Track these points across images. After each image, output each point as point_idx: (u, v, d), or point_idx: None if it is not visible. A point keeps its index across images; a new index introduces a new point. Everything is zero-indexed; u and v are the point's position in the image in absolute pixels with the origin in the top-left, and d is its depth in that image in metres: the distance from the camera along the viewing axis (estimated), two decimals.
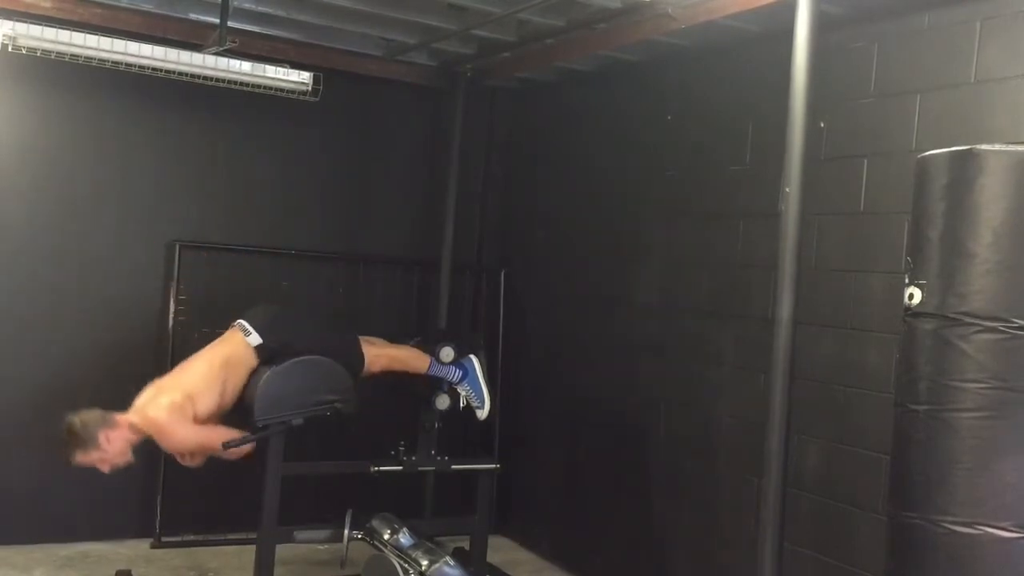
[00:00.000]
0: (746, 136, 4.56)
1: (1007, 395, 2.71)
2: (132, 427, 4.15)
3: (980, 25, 3.60)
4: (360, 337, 4.61)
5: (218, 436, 4.20)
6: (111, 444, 4.10)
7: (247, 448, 4.27)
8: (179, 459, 4.40)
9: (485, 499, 4.83)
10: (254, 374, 4.34)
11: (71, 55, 4.67)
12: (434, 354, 4.75)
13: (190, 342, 5.50)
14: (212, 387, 4.23)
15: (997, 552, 2.72)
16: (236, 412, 4.45)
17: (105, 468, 4.14)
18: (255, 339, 4.33)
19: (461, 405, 4.83)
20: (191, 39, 4.97)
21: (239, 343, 4.34)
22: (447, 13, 4.88)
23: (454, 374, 4.77)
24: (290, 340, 4.40)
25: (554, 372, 5.84)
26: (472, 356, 4.80)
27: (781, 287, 3.51)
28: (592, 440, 5.51)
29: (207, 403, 4.20)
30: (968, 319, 2.74)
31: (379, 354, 4.59)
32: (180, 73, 4.86)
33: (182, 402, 4.15)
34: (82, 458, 4.10)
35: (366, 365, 4.49)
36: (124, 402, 5.43)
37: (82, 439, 4.07)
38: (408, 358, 4.70)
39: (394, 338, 5.04)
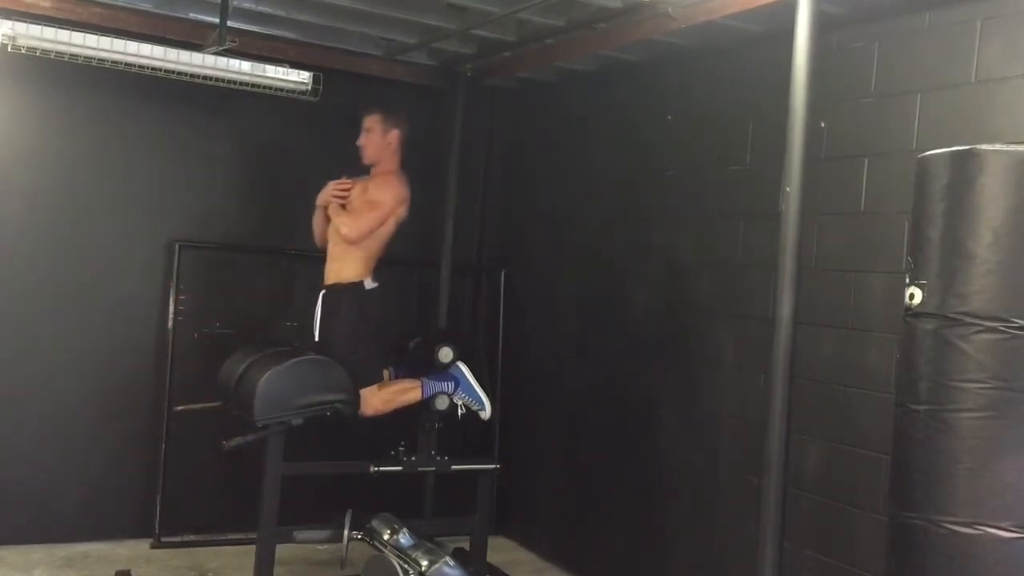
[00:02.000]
0: (746, 136, 4.56)
1: (1007, 395, 2.71)
2: (397, 160, 4.84)
3: (980, 25, 3.60)
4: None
5: (374, 224, 4.65)
6: (386, 143, 4.80)
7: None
8: (338, 190, 4.77)
9: (485, 499, 4.83)
10: (255, 371, 4.34)
11: (71, 55, 4.67)
12: (434, 355, 4.74)
13: (190, 342, 5.52)
14: (379, 246, 4.77)
15: (997, 552, 2.72)
16: (235, 411, 4.46)
17: (366, 153, 4.80)
18: (369, 284, 4.65)
19: (460, 413, 4.81)
20: (191, 39, 4.97)
21: (369, 270, 4.69)
22: (447, 13, 4.88)
23: (447, 387, 4.76)
24: (354, 315, 4.59)
25: (554, 372, 5.84)
26: (458, 364, 4.78)
27: (781, 287, 3.51)
28: (592, 440, 5.51)
29: (383, 231, 4.74)
30: (968, 319, 2.74)
31: (372, 402, 4.56)
32: (180, 73, 4.86)
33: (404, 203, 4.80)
34: (371, 121, 4.78)
35: (361, 404, 4.50)
36: (124, 402, 5.47)
37: (391, 117, 4.80)
38: (399, 393, 4.67)
39: (395, 338, 5.04)
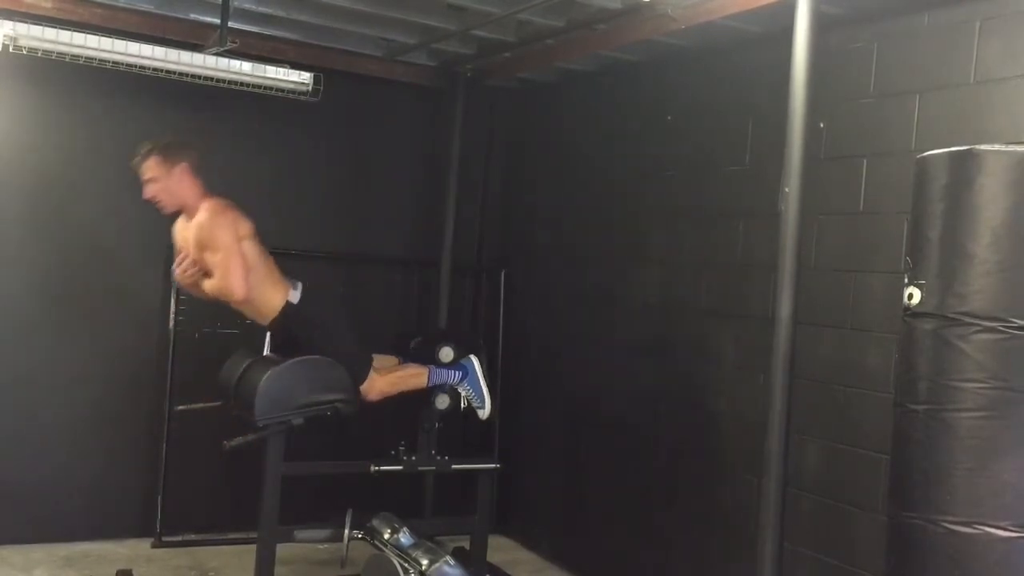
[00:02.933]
0: (746, 136, 4.56)
1: (1007, 395, 2.71)
2: (202, 193, 4.27)
3: (980, 25, 3.60)
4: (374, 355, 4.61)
5: (237, 262, 4.17)
6: (180, 181, 4.25)
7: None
8: (183, 264, 4.34)
9: (485, 499, 4.83)
10: (255, 371, 4.34)
11: (71, 55, 4.68)
12: (434, 355, 4.75)
13: (190, 342, 5.52)
14: (264, 261, 4.33)
15: (997, 552, 2.72)
16: (235, 412, 4.46)
17: (148, 192, 4.27)
18: (295, 296, 4.35)
19: (463, 406, 4.82)
20: (191, 39, 4.98)
21: (283, 286, 4.35)
22: (447, 13, 4.88)
23: (454, 376, 4.76)
24: (311, 322, 4.39)
25: (554, 372, 5.84)
26: (471, 356, 4.80)
27: (781, 287, 3.51)
28: (592, 440, 5.51)
29: (250, 253, 4.25)
30: (968, 319, 2.74)
31: (377, 385, 4.54)
32: (180, 73, 4.87)
33: (239, 216, 4.25)
34: (149, 170, 4.25)
35: (364, 388, 4.48)
36: (125, 402, 5.48)
37: (171, 151, 4.24)
38: (407, 379, 4.65)
39: (395, 337, 5.05)
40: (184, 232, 4.38)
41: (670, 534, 4.89)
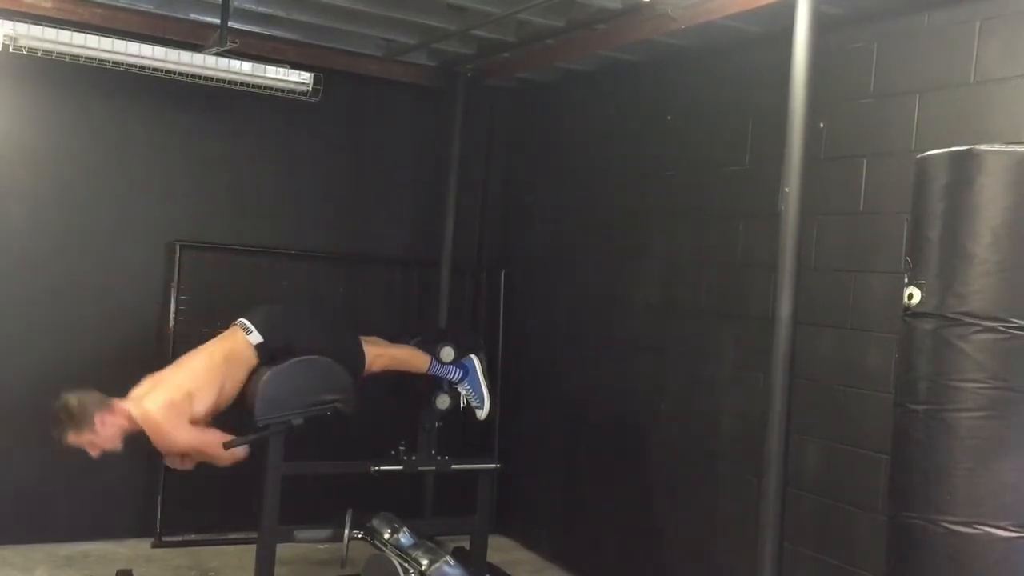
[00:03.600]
0: (746, 136, 4.56)
1: (1007, 395, 2.71)
2: (128, 417, 4.09)
3: (980, 25, 3.60)
4: (361, 337, 4.61)
5: (213, 439, 4.17)
6: (104, 428, 4.05)
7: (241, 453, 4.22)
8: (168, 461, 4.33)
9: (485, 499, 4.83)
10: (254, 373, 4.34)
11: (71, 55, 4.67)
12: (434, 354, 4.75)
13: (190, 342, 5.49)
14: (212, 384, 4.20)
15: (997, 552, 2.72)
16: (235, 412, 4.45)
17: (95, 452, 4.10)
18: (256, 338, 4.32)
19: (462, 405, 4.83)
20: (191, 39, 4.98)
21: (240, 341, 4.33)
22: (447, 13, 4.88)
23: (454, 373, 4.77)
24: (291, 339, 4.39)
25: (554, 372, 5.84)
26: (472, 356, 4.81)
27: (781, 287, 3.51)
28: (592, 440, 5.51)
29: (205, 401, 4.17)
30: (968, 319, 2.74)
31: (380, 354, 4.59)
32: (180, 73, 4.87)
33: (180, 401, 4.10)
34: (73, 438, 4.06)
35: (367, 365, 4.49)
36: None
37: (77, 419, 4.02)
38: (408, 358, 4.71)
39: (394, 338, 5.05)
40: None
41: (670, 534, 4.89)
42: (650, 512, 5.02)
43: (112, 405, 4.09)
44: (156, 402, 4.10)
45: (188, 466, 4.34)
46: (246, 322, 4.37)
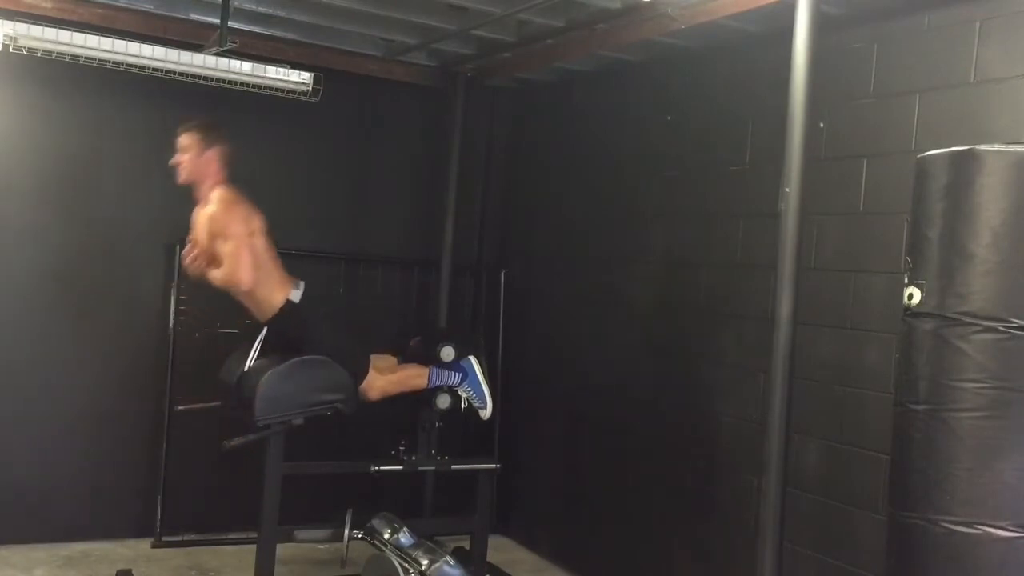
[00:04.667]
0: (746, 136, 4.56)
1: (1007, 395, 2.71)
2: (221, 175, 4.44)
3: (980, 25, 3.60)
4: (372, 355, 4.63)
5: (246, 253, 4.27)
6: (203, 160, 4.42)
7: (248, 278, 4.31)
8: (188, 253, 4.44)
9: (485, 499, 4.84)
10: (254, 372, 4.35)
11: (71, 55, 4.67)
12: (434, 355, 4.75)
13: (190, 342, 5.53)
14: (270, 257, 4.43)
15: (997, 552, 2.72)
16: (235, 412, 4.46)
17: (182, 173, 4.45)
18: (296, 295, 4.40)
19: (463, 407, 4.82)
20: (191, 39, 4.98)
21: (286, 284, 4.41)
22: (447, 13, 4.88)
23: (454, 378, 4.77)
24: (311, 322, 4.44)
25: (554, 372, 5.84)
26: (471, 357, 4.80)
27: (781, 287, 3.51)
28: (592, 440, 5.51)
29: (258, 247, 4.36)
30: (967, 319, 2.74)
31: (379, 377, 4.56)
32: (180, 73, 4.86)
33: (250, 212, 4.39)
34: (184, 140, 4.45)
35: (363, 387, 4.49)
36: (125, 402, 5.47)
37: (204, 132, 4.45)
38: (407, 379, 4.68)
39: (394, 338, 5.05)
40: (198, 215, 4.49)
41: (670, 534, 4.89)
42: (650, 512, 5.02)
43: (223, 165, 4.46)
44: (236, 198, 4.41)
45: (200, 266, 4.41)
46: (301, 283, 4.46)
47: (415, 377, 4.69)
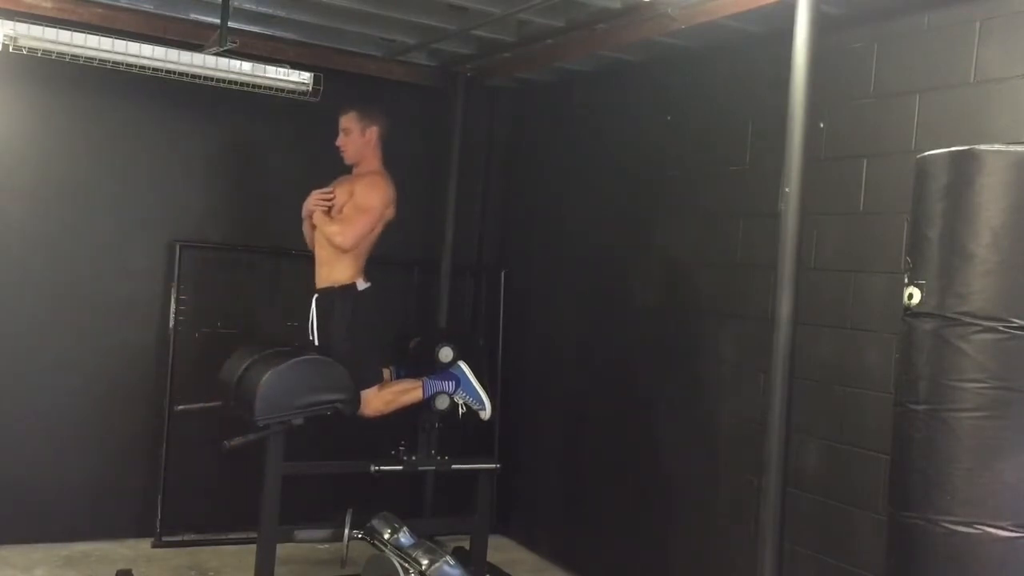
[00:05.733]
0: (746, 136, 4.56)
1: (1007, 395, 2.71)
2: (378, 158, 4.78)
3: (980, 25, 3.60)
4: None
5: (366, 227, 4.65)
6: (366, 141, 4.76)
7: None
8: (322, 197, 4.74)
9: (485, 499, 4.84)
10: (255, 371, 4.35)
11: (71, 55, 4.67)
12: (434, 355, 4.75)
13: (191, 342, 5.53)
14: (370, 246, 4.77)
15: (997, 552, 2.72)
16: (235, 412, 4.46)
17: (340, 141, 4.80)
18: (360, 285, 4.66)
19: (461, 412, 4.82)
20: (191, 39, 4.97)
21: (360, 272, 4.70)
22: (447, 13, 4.88)
23: (448, 386, 4.76)
24: (348, 313, 4.59)
25: (554, 372, 5.84)
26: (460, 363, 4.79)
27: (781, 287, 3.51)
28: (592, 440, 5.51)
29: (374, 233, 4.74)
30: (968, 319, 2.74)
31: (374, 403, 4.59)
32: (180, 73, 4.86)
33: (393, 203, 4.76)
34: (347, 120, 4.78)
35: (367, 397, 4.53)
36: (125, 402, 5.47)
37: (369, 114, 4.76)
38: (401, 395, 4.70)
39: (395, 338, 5.05)
40: (348, 181, 4.77)
41: (670, 534, 4.89)
42: (650, 512, 5.02)
43: (380, 144, 4.79)
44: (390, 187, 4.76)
45: (324, 205, 4.70)
46: (369, 284, 4.72)
47: (409, 391, 4.71)
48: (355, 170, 4.80)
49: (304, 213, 4.80)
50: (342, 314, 4.58)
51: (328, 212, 4.70)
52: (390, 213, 4.73)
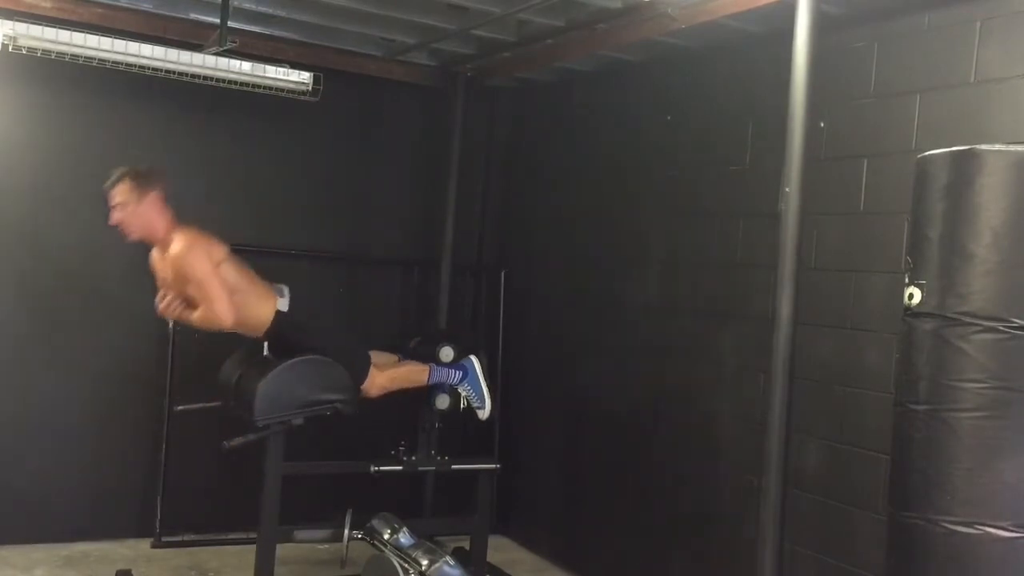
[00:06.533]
0: (746, 136, 4.56)
1: (1007, 395, 2.71)
2: (170, 220, 4.24)
3: (980, 25, 3.60)
4: (372, 352, 4.61)
5: (220, 289, 4.16)
6: (146, 208, 4.20)
7: (229, 321, 4.20)
8: (162, 298, 4.31)
9: (485, 499, 4.84)
10: (254, 372, 4.35)
11: (71, 55, 4.67)
12: (434, 355, 4.75)
13: (190, 343, 5.52)
14: (238, 271, 4.30)
15: (997, 552, 2.72)
16: (235, 412, 4.46)
17: (115, 218, 4.21)
18: (283, 304, 4.36)
19: (462, 406, 4.83)
20: (191, 39, 4.98)
21: (269, 296, 4.35)
22: (447, 13, 4.88)
23: (454, 376, 4.76)
24: (305, 325, 4.42)
25: (554, 372, 5.84)
26: (471, 356, 4.80)
27: (781, 287, 3.51)
28: (592, 440, 5.51)
29: (230, 270, 4.24)
30: (968, 319, 2.74)
31: (381, 373, 4.55)
32: (180, 73, 4.86)
33: (211, 245, 4.23)
34: (118, 195, 4.19)
35: (368, 379, 4.49)
36: (125, 402, 5.47)
37: (140, 179, 4.20)
38: (408, 374, 4.67)
39: (394, 339, 5.05)
40: (161, 265, 4.34)
41: (670, 534, 4.89)
42: (650, 512, 5.02)
43: (164, 205, 4.25)
44: (193, 237, 4.23)
45: (176, 309, 4.29)
46: (284, 288, 4.41)
47: (416, 373, 4.68)
48: (155, 244, 4.33)
49: (174, 319, 4.47)
50: (298, 334, 4.42)
51: (183, 305, 4.29)
52: (219, 252, 4.25)
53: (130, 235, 4.26)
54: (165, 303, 4.34)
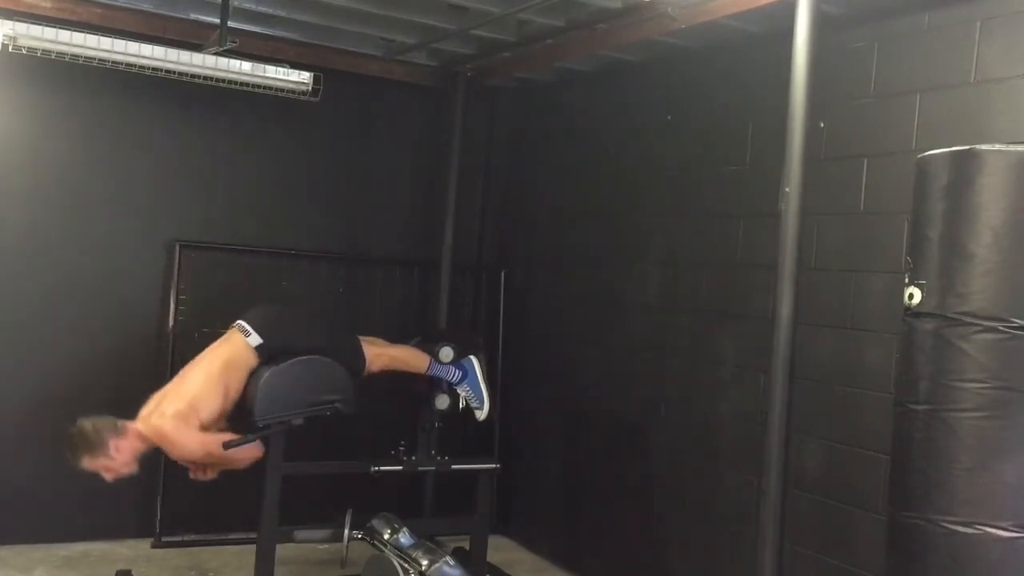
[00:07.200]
0: (746, 136, 4.56)
1: (1007, 395, 2.71)
2: (140, 436, 4.12)
3: (980, 25, 3.60)
4: (360, 337, 4.61)
5: (213, 444, 4.15)
6: (119, 453, 4.08)
7: (253, 451, 4.23)
8: (191, 472, 4.32)
9: (485, 499, 4.83)
10: (254, 374, 4.34)
11: (71, 55, 4.67)
12: (434, 354, 4.75)
13: (190, 342, 5.51)
14: (215, 392, 4.19)
15: (997, 552, 2.72)
16: (237, 412, 4.45)
17: (110, 476, 4.11)
18: (255, 339, 4.32)
19: (461, 406, 4.83)
20: (191, 39, 4.98)
21: (239, 344, 4.33)
22: (447, 13, 4.88)
23: (454, 374, 4.77)
24: (290, 340, 4.40)
25: (554, 372, 5.84)
26: (471, 356, 4.81)
27: (781, 287, 3.51)
28: (592, 440, 5.51)
29: (211, 408, 4.17)
30: (968, 319, 2.74)
31: (379, 354, 4.60)
32: (180, 73, 4.86)
33: (186, 411, 4.11)
34: (88, 464, 4.07)
35: (367, 364, 4.50)
36: (125, 403, 5.43)
37: (92, 444, 4.04)
38: (408, 358, 4.71)
39: (394, 339, 5.04)
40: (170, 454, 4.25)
41: (670, 534, 4.89)
42: (650, 512, 5.02)
43: (125, 429, 4.11)
44: (163, 415, 4.12)
45: (212, 476, 4.30)
46: (245, 324, 4.37)
47: (417, 358, 4.70)
48: (149, 450, 4.21)
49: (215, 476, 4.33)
50: (285, 354, 4.34)
51: (211, 463, 4.23)
52: (182, 408, 4.13)
53: (120, 475, 4.13)
54: (197, 474, 4.29)
